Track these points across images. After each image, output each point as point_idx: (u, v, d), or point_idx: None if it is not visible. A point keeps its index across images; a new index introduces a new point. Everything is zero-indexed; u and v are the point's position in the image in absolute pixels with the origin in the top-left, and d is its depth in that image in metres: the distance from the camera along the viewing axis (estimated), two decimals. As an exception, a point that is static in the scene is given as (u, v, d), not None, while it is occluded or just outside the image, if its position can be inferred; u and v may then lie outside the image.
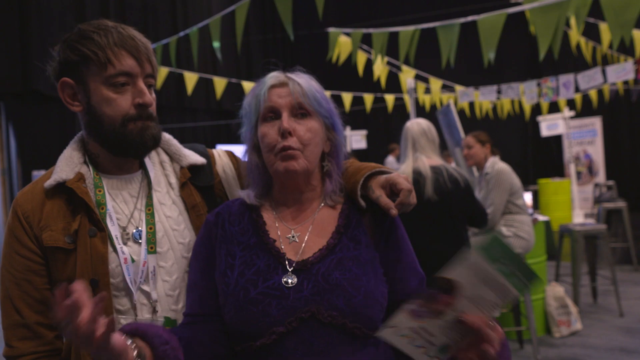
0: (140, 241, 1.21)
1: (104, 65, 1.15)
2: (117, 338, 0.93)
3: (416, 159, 2.97)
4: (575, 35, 6.87)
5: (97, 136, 1.22)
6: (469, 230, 3.16)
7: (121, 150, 1.21)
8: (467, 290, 0.93)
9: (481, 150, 4.04)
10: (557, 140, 9.97)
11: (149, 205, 1.25)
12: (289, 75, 1.19)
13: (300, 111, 1.16)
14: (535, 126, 8.78)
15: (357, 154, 8.35)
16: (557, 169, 10.39)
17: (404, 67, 7.05)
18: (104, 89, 1.17)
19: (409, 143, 3.02)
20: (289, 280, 1.11)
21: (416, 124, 3.07)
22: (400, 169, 3.01)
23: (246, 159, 1.25)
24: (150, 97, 1.20)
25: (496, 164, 3.91)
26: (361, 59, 6.12)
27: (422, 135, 3.02)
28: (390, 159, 8.88)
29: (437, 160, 2.99)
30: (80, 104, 1.21)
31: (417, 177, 2.86)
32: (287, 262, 1.13)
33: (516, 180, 3.88)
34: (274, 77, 1.18)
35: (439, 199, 2.83)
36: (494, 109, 9.36)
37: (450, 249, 2.91)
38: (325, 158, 1.22)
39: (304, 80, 1.18)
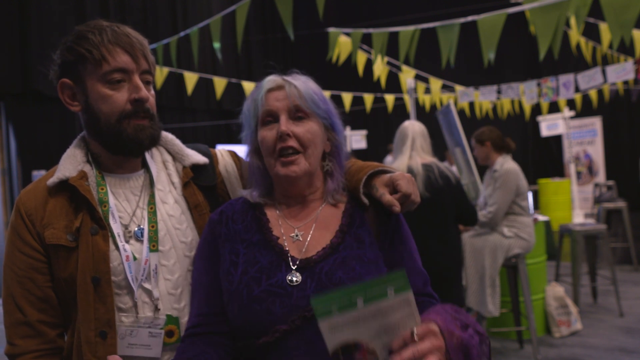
0: (142, 239, 1.22)
1: (99, 62, 1.16)
2: None
3: (411, 157, 3.02)
4: (575, 35, 6.87)
5: (96, 135, 1.23)
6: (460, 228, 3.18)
7: (118, 148, 1.21)
8: (364, 338, 0.90)
9: (481, 150, 4.00)
10: (557, 140, 9.98)
11: (151, 203, 1.25)
12: (286, 78, 1.19)
13: (298, 114, 1.16)
14: (535, 126, 8.78)
15: (357, 154, 8.34)
16: (557, 169, 10.40)
17: (404, 67, 7.04)
18: (100, 87, 1.17)
19: (407, 141, 3.07)
20: (294, 279, 1.11)
21: (417, 125, 3.16)
22: (393, 165, 3.03)
23: (248, 163, 1.25)
24: (147, 93, 1.20)
25: (506, 162, 3.85)
26: (361, 59, 6.12)
27: (421, 135, 3.11)
28: (390, 159, 8.87)
29: (429, 158, 3.04)
30: (79, 103, 1.22)
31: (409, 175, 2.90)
32: (290, 260, 1.14)
33: (523, 182, 3.83)
34: (270, 80, 1.19)
35: (430, 196, 2.85)
36: (494, 109, 9.36)
37: (442, 245, 2.93)
38: (326, 158, 1.22)
39: (301, 82, 1.18)
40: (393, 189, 1.17)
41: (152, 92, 1.24)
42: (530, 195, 5.02)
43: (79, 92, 1.21)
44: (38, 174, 6.49)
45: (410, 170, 2.93)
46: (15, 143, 6.99)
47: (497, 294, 3.69)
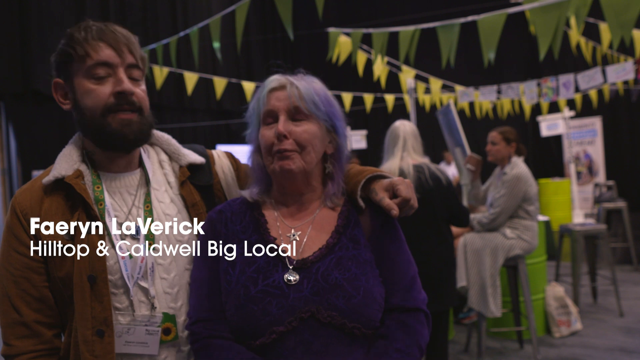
0: (138, 237, 1.22)
1: (83, 58, 1.17)
2: None
3: (402, 158, 3.00)
4: (575, 35, 6.86)
5: (85, 131, 1.23)
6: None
7: (105, 143, 1.21)
8: None
9: (505, 149, 3.91)
10: (557, 140, 9.97)
11: (147, 202, 1.26)
12: (289, 78, 1.20)
13: (297, 115, 1.17)
14: (535, 126, 8.78)
15: (357, 154, 8.34)
16: (557, 169, 10.39)
17: (404, 67, 7.04)
18: (86, 82, 1.18)
19: (399, 141, 3.03)
20: (291, 278, 1.11)
21: (407, 125, 3.11)
22: (384, 166, 3.02)
23: (250, 160, 1.26)
24: (131, 85, 1.19)
25: (516, 166, 3.80)
26: (361, 59, 6.12)
27: (413, 136, 3.06)
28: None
29: (420, 159, 3.02)
30: (69, 101, 1.23)
31: (401, 176, 2.88)
32: (287, 260, 1.14)
33: (531, 188, 3.77)
34: (274, 80, 1.20)
35: (420, 197, 2.84)
36: (494, 109, 9.35)
37: (434, 246, 2.93)
38: (328, 160, 1.22)
39: (304, 83, 1.18)
40: (393, 193, 1.18)
41: (143, 86, 1.24)
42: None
43: (69, 90, 1.22)
44: (38, 173, 6.47)
45: (401, 172, 2.91)
46: (15, 143, 6.99)
47: (498, 294, 3.69)
